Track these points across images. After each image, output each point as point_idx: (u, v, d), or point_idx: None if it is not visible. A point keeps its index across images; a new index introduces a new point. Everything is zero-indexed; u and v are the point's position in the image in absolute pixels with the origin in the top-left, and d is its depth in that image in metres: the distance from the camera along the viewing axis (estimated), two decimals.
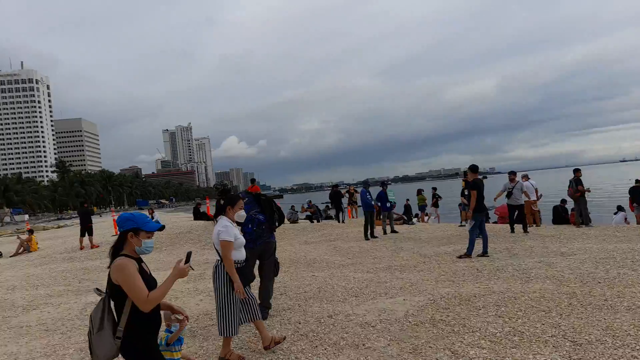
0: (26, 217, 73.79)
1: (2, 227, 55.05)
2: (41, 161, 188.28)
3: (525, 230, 11.27)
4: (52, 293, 8.21)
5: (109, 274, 2.57)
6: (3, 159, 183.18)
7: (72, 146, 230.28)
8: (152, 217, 19.38)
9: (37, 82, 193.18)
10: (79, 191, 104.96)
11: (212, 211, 20.92)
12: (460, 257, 8.33)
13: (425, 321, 4.69)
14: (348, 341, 4.34)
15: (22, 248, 16.39)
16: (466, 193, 11.27)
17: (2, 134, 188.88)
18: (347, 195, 19.78)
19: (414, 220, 17.61)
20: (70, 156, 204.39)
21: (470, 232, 8.39)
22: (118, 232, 2.65)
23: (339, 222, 17.57)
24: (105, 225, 25.54)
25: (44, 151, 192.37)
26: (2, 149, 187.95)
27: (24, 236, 17.11)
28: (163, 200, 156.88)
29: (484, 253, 8.32)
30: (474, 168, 8.67)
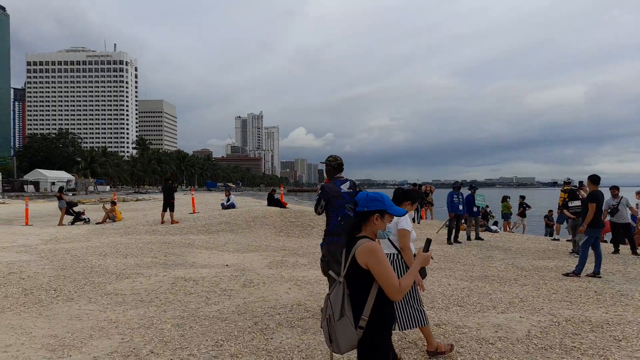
0: (107, 188, 79.49)
1: (86, 195, 59.43)
2: (124, 137, 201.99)
3: (634, 251, 10.06)
4: (141, 263, 8.41)
5: (352, 256, 2.32)
6: (91, 133, 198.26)
7: (152, 125, 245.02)
8: (228, 199, 19.79)
9: (126, 64, 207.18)
10: (155, 168, 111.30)
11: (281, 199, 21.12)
12: (567, 274, 7.49)
13: (555, 346, 4.09)
14: (466, 357, 3.86)
15: (107, 217, 17.35)
16: (570, 205, 10.24)
17: (92, 110, 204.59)
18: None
19: (495, 227, 16.54)
20: (149, 135, 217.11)
21: (582, 249, 7.51)
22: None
23: (414, 222, 16.92)
24: (180, 203, 26.62)
25: (127, 128, 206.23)
26: (91, 123, 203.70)
27: (108, 206, 18.07)
28: (230, 184, 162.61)
29: (596, 273, 7.42)
30: (595, 179, 7.72)
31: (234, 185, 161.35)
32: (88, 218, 17.61)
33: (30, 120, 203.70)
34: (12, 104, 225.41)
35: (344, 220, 5.03)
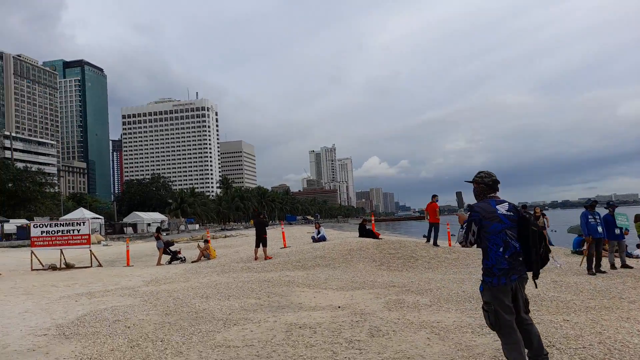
0: (197, 226, 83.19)
1: (178, 234, 62.33)
2: (208, 178, 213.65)
3: None
4: (246, 306, 7.68)
5: None
6: (179, 175, 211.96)
7: (232, 165, 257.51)
8: (319, 232, 19.06)
9: (208, 110, 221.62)
10: (238, 205, 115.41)
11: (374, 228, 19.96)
12: None
13: None
14: None
15: (202, 256, 17.30)
16: None
17: (180, 154, 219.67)
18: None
19: (636, 252, 14.09)
20: (230, 173, 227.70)
21: None
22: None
23: None
24: (269, 237, 26.38)
25: (211, 169, 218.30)
26: (179, 167, 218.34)
27: (202, 245, 18.08)
28: (309, 217, 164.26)
29: None
30: None
31: (312, 218, 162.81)
32: (184, 257, 17.70)
33: (127, 167, 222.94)
34: (110, 154, 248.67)
35: (507, 252, 3.85)
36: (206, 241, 18.09)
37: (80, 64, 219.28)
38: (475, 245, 4.03)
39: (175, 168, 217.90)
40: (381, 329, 5.68)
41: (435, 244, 14.23)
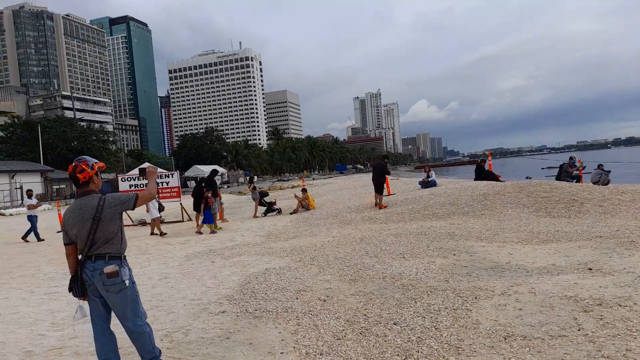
0: (255, 178, 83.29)
1: (239, 187, 62.42)
2: (255, 129, 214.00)
3: None
4: (445, 267, 5.93)
5: None
6: (227, 127, 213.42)
7: (278, 115, 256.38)
8: (429, 176, 17.08)
9: (251, 60, 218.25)
10: (290, 156, 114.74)
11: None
12: None
13: None
14: None
15: (301, 206, 15.88)
16: None
17: (226, 106, 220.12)
18: None
19: None
20: (277, 124, 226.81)
21: None
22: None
23: None
24: (357, 184, 24.62)
25: (257, 120, 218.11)
26: (226, 119, 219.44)
27: (300, 194, 16.64)
28: (359, 165, 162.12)
29: None
30: None
31: (362, 167, 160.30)
32: (280, 208, 16.35)
33: (176, 122, 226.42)
34: (159, 111, 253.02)
35: None
36: (304, 190, 16.59)
37: (125, 20, 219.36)
38: None
39: (222, 120, 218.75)
40: None
41: None
